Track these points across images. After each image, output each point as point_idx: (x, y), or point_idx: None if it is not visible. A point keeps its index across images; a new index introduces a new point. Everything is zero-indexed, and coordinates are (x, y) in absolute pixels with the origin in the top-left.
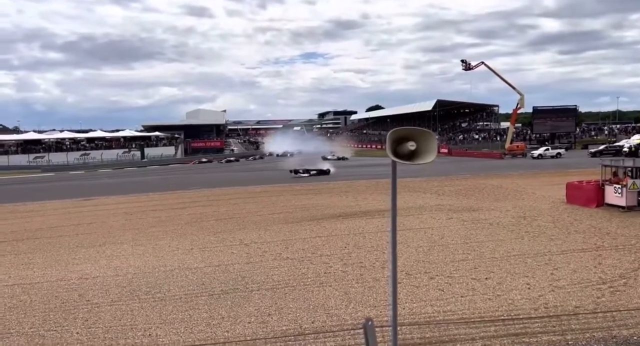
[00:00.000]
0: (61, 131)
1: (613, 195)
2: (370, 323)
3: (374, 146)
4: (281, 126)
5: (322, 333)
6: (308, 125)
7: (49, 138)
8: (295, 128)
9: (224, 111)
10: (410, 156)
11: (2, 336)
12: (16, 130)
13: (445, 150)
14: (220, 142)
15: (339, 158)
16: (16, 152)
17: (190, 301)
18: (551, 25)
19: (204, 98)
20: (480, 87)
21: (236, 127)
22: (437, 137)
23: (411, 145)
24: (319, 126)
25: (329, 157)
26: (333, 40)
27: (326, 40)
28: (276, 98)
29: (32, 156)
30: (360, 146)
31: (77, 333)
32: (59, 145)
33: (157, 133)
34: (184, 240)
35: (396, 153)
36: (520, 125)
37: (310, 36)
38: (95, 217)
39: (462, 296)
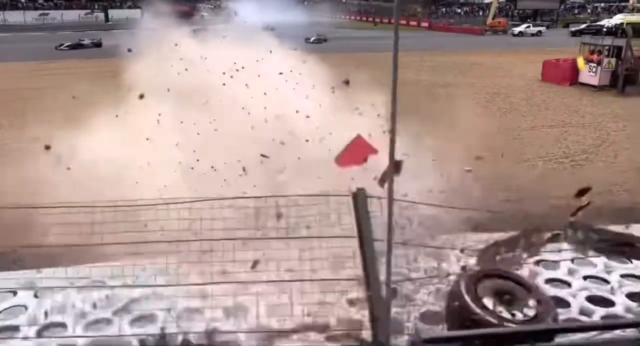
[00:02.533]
0: None
1: (587, 74)
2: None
3: (352, 17)
4: None
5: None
6: None
7: None
8: None
9: None
10: None
11: None
12: None
13: (426, 24)
14: (189, 7)
15: (320, 41)
16: None
17: None
18: None
19: None
20: None
21: None
22: (418, 10)
23: None
24: None
25: (312, 39)
26: None
27: None
28: None
29: None
30: (338, 17)
31: None
32: (13, 2)
33: None
34: None
35: None
36: (504, 0)
37: None
38: None
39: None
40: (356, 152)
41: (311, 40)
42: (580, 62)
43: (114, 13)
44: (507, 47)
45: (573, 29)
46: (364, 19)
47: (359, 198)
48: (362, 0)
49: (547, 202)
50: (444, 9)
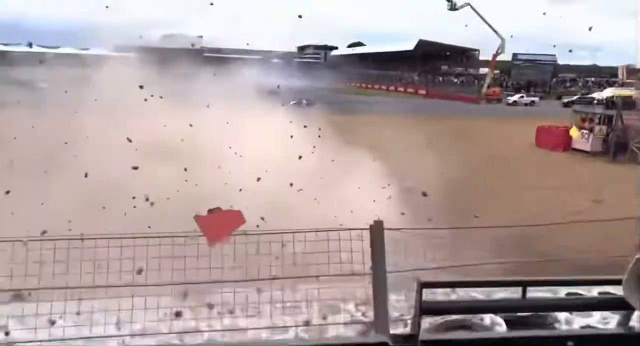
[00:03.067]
0: (28, 45)
1: (580, 140)
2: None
3: (352, 84)
4: (260, 57)
5: None
6: (287, 57)
7: (15, 51)
8: (274, 60)
9: (201, 37)
10: None
11: None
12: None
13: (424, 92)
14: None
15: (300, 103)
16: None
17: None
18: None
19: (179, 21)
20: (463, 31)
21: (213, 55)
22: (416, 78)
23: None
24: (298, 59)
25: (304, 101)
26: None
27: None
28: (254, 28)
29: None
30: (337, 83)
31: None
32: (25, 60)
33: (128, 54)
34: None
35: None
36: (498, 72)
37: None
38: None
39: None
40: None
41: (291, 103)
42: (574, 130)
43: None
44: (502, 115)
45: (566, 100)
46: (364, 85)
47: (376, 231)
48: (362, 69)
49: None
50: (440, 78)
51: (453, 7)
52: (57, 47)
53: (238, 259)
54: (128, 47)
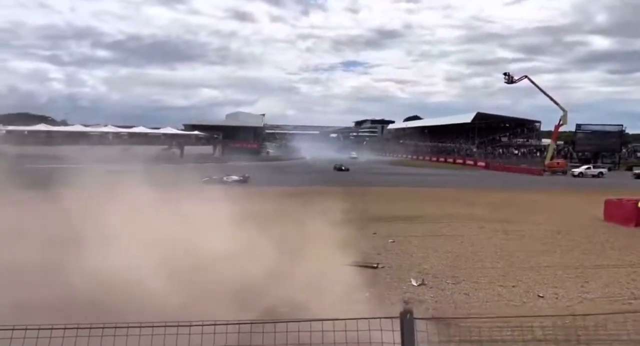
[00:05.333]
0: (105, 125)
1: None
2: (409, 316)
3: (409, 156)
4: (318, 132)
5: None
6: (345, 132)
7: (94, 131)
8: (331, 135)
9: (263, 115)
10: None
11: None
12: (63, 123)
13: (483, 164)
14: (256, 144)
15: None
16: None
17: None
18: (601, 43)
19: (244, 101)
20: (522, 103)
21: (274, 131)
22: (475, 150)
23: None
24: (355, 134)
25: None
26: (374, 49)
27: (367, 49)
28: (314, 105)
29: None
30: (395, 156)
31: None
32: (102, 139)
33: (196, 132)
34: None
35: None
36: (562, 142)
37: (351, 44)
38: None
39: (487, 301)
40: None
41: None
42: None
43: (188, 149)
44: (567, 187)
45: (637, 171)
46: (421, 157)
47: (407, 320)
48: (419, 141)
49: None
50: (500, 150)
51: (510, 81)
52: (131, 127)
53: None
54: (196, 125)
